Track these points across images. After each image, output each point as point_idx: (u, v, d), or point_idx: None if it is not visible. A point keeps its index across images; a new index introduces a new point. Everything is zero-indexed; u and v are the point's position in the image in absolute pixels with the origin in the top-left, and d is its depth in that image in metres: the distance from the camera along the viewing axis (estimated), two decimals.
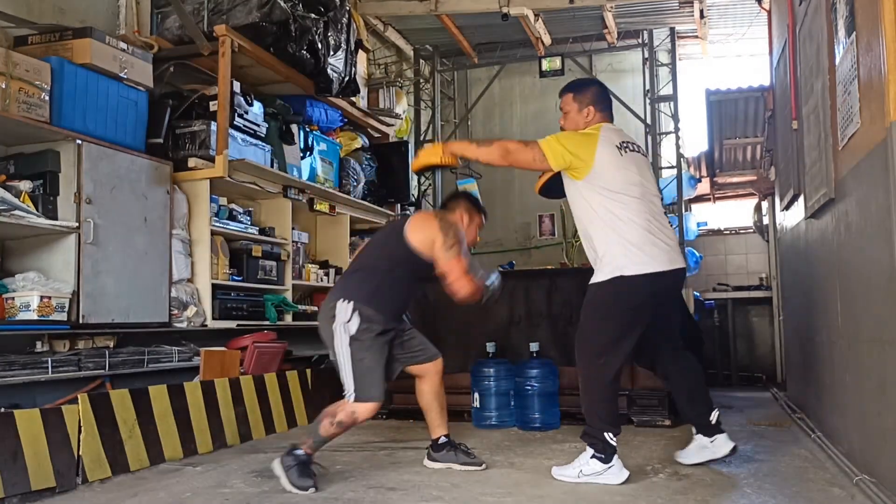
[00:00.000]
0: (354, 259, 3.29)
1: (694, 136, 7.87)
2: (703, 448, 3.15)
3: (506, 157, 3.01)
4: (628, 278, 2.88)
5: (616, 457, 2.90)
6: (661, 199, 3.16)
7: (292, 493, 2.82)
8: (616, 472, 2.88)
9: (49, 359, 3.37)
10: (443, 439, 3.24)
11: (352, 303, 2.93)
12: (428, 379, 3.21)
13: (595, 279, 2.98)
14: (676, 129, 7.55)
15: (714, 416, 3.13)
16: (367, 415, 2.92)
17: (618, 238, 2.91)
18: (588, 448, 2.93)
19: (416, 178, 7.77)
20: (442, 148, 3.13)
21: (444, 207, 3.38)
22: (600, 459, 2.88)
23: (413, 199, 7.15)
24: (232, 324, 4.50)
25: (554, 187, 3.16)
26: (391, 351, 3.10)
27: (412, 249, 3.03)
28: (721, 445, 3.11)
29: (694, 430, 3.21)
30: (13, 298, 3.37)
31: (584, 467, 2.90)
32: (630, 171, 2.98)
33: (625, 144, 3.04)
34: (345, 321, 2.92)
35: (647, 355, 3.32)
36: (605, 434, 2.88)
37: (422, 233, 3.04)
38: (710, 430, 3.13)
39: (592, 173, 2.94)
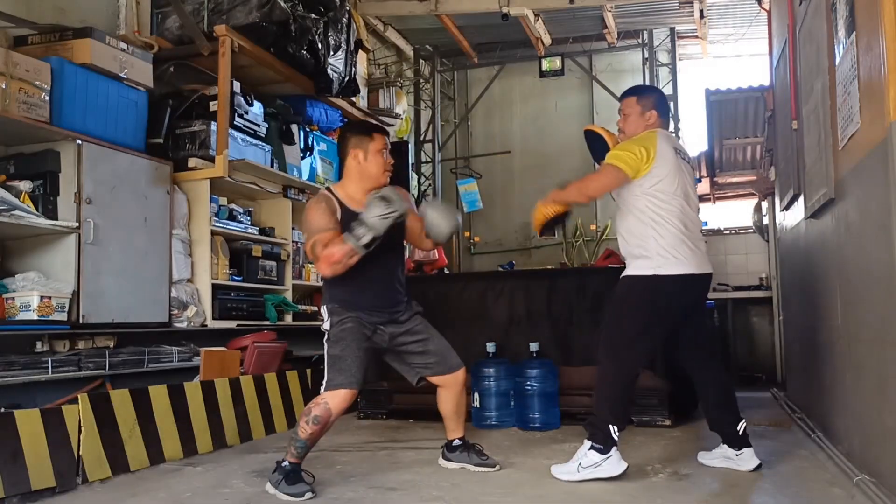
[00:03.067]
0: None
1: (694, 136, 7.89)
2: (728, 458, 3.12)
3: (588, 191, 3.10)
4: (663, 277, 2.94)
5: (615, 448, 2.91)
6: (699, 209, 3.21)
7: (267, 492, 2.81)
8: (614, 463, 2.89)
9: (49, 359, 3.37)
10: (457, 441, 3.23)
11: (325, 306, 3.01)
12: (449, 389, 3.15)
13: (630, 272, 3.03)
14: (676, 129, 7.56)
15: (741, 427, 3.09)
16: (341, 405, 2.80)
17: (657, 238, 2.97)
18: (587, 440, 2.94)
19: (416, 178, 7.78)
20: (549, 203, 3.14)
21: (340, 161, 3.15)
22: (598, 450, 2.89)
23: (413, 199, 7.15)
24: (232, 324, 4.50)
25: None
26: (404, 359, 3.08)
27: None
28: (746, 461, 3.06)
29: (721, 440, 3.16)
30: (13, 298, 3.37)
31: (583, 459, 2.91)
32: (681, 175, 3.06)
33: (679, 151, 3.12)
34: (323, 322, 3.00)
35: (674, 359, 3.31)
36: (610, 426, 2.89)
37: None
38: (737, 443, 3.10)
39: (649, 174, 2.98)
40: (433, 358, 3.07)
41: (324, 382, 2.89)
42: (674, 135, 3.26)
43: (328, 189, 3.07)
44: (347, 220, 2.86)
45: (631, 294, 3.01)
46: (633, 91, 3.28)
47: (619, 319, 3.01)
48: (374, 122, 6.40)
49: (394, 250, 3.05)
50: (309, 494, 2.76)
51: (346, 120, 6.00)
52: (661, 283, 2.95)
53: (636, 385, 3.06)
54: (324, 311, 3.01)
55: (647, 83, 7.73)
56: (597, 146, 3.33)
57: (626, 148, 3.01)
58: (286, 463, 2.83)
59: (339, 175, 3.21)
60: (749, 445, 3.09)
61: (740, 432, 3.08)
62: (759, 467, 3.05)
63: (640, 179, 2.99)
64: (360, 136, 3.02)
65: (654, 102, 3.17)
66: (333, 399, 2.82)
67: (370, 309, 2.96)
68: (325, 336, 2.96)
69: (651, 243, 2.97)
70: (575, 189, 3.10)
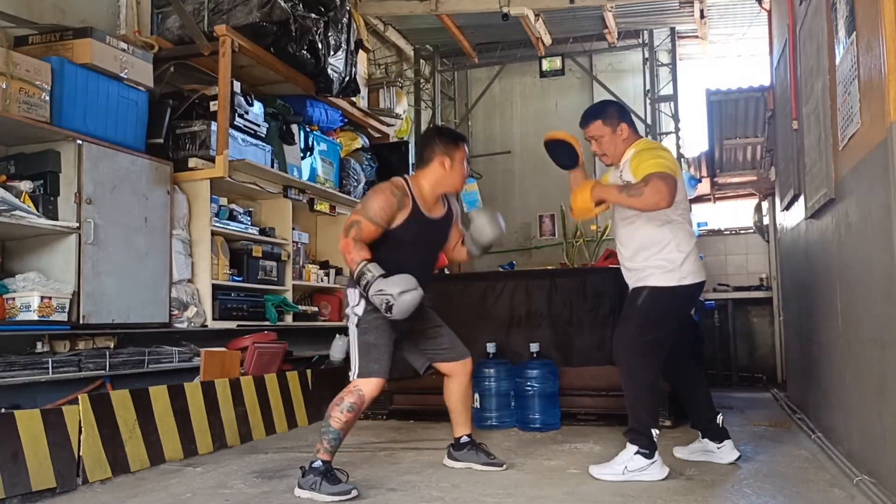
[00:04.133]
0: None
1: (694, 136, 7.89)
2: (708, 452, 3.25)
3: (661, 201, 2.82)
4: (687, 286, 3.02)
5: (657, 453, 2.96)
6: None
7: (299, 497, 2.73)
8: (659, 468, 2.94)
9: (49, 359, 3.37)
10: (465, 438, 3.24)
11: (353, 289, 2.94)
12: (456, 378, 3.19)
13: (653, 283, 3.03)
14: (677, 129, 7.56)
15: (720, 420, 3.24)
16: (373, 391, 2.84)
17: (678, 248, 3.02)
18: (630, 445, 2.97)
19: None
20: (590, 192, 2.94)
21: (421, 160, 3.10)
22: (644, 455, 2.93)
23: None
24: (232, 324, 4.50)
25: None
26: (417, 344, 3.11)
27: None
28: (727, 453, 3.21)
29: (700, 435, 3.30)
30: (14, 299, 3.37)
31: (629, 463, 2.94)
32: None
33: None
34: (353, 305, 2.93)
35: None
36: (652, 430, 2.95)
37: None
38: (718, 436, 3.23)
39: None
40: (446, 344, 3.15)
41: (354, 369, 2.88)
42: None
43: (406, 181, 2.99)
44: (414, 221, 2.93)
45: (654, 305, 3.04)
46: (593, 115, 3.18)
47: (647, 330, 3.02)
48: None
49: (433, 252, 3.13)
50: (354, 492, 2.70)
51: (346, 120, 6.00)
52: (685, 293, 3.03)
53: None
54: (353, 294, 2.93)
55: (648, 83, 7.74)
56: (562, 153, 3.25)
57: (664, 158, 2.92)
58: (318, 462, 2.76)
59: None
60: (728, 437, 3.23)
61: (720, 425, 3.23)
62: (737, 458, 3.19)
63: None
64: (449, 144, 3.04)
65: (618, 116, 3.16)
66: (367, 386, 2.84)
67: None
68: (356, 321, 2.90)
69: (674, 254, 3.01)
70: (652, 193, 2.80)
